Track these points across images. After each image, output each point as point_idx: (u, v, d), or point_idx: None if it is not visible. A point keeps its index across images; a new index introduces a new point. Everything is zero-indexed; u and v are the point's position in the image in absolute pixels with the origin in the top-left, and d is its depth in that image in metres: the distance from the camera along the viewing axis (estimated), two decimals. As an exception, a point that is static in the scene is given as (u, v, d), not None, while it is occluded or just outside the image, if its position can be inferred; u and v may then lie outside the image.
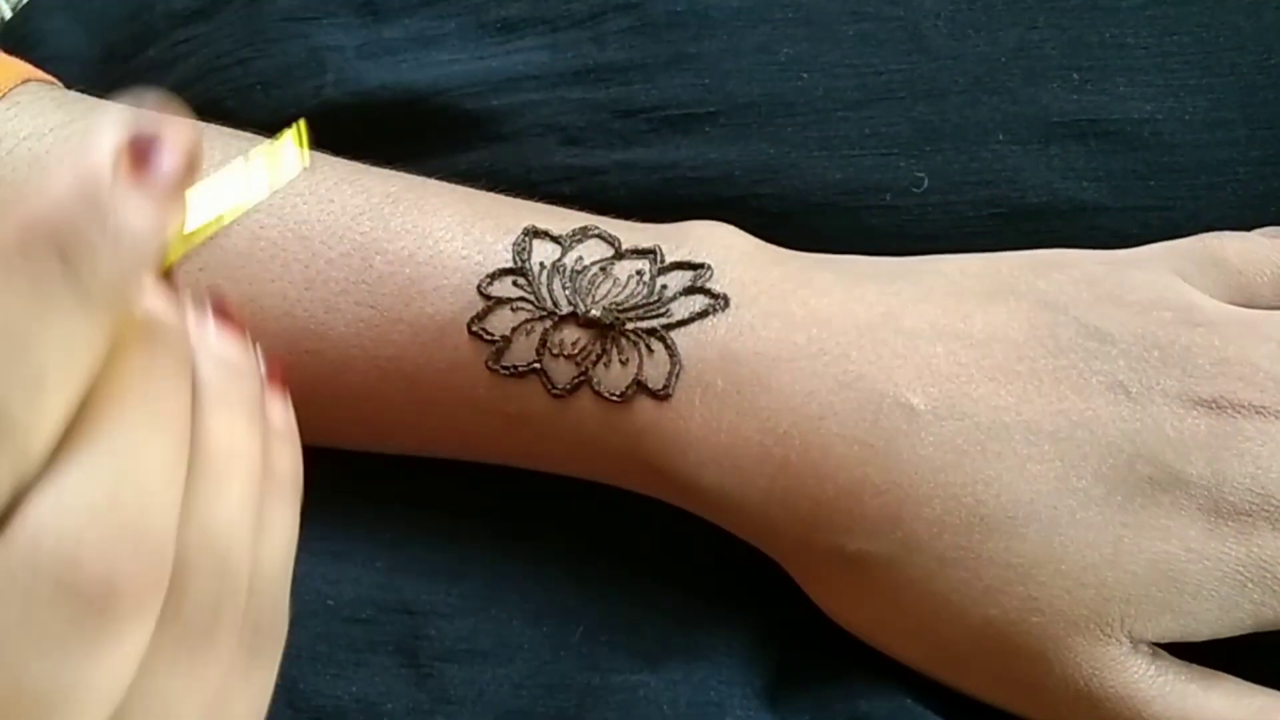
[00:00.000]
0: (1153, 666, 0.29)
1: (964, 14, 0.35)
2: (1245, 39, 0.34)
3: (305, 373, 0.31)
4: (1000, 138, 0.34)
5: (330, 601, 0.32)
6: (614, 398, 0.30)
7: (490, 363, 0.31)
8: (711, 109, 0.35)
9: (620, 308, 0.31)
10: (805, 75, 0.35)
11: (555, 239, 0.32)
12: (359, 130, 0.36)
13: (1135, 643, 0.29)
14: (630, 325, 0.30)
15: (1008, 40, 0.34)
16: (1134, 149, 0.33)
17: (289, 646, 0.31)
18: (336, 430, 0.33)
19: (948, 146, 0.34)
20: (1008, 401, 0.29)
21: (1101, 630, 0.28)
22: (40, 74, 0.35)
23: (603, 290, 0.31)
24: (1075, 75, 0.34)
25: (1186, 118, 0.33)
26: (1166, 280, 0.30)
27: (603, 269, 0.31)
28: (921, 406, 0.29)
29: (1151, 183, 0.33)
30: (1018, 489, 0.29)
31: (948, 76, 0.34)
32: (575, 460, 0.32)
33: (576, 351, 0.31)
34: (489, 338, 0.31)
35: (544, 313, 0.31)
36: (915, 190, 0.34)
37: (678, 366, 0.30)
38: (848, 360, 0.30)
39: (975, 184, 0.34)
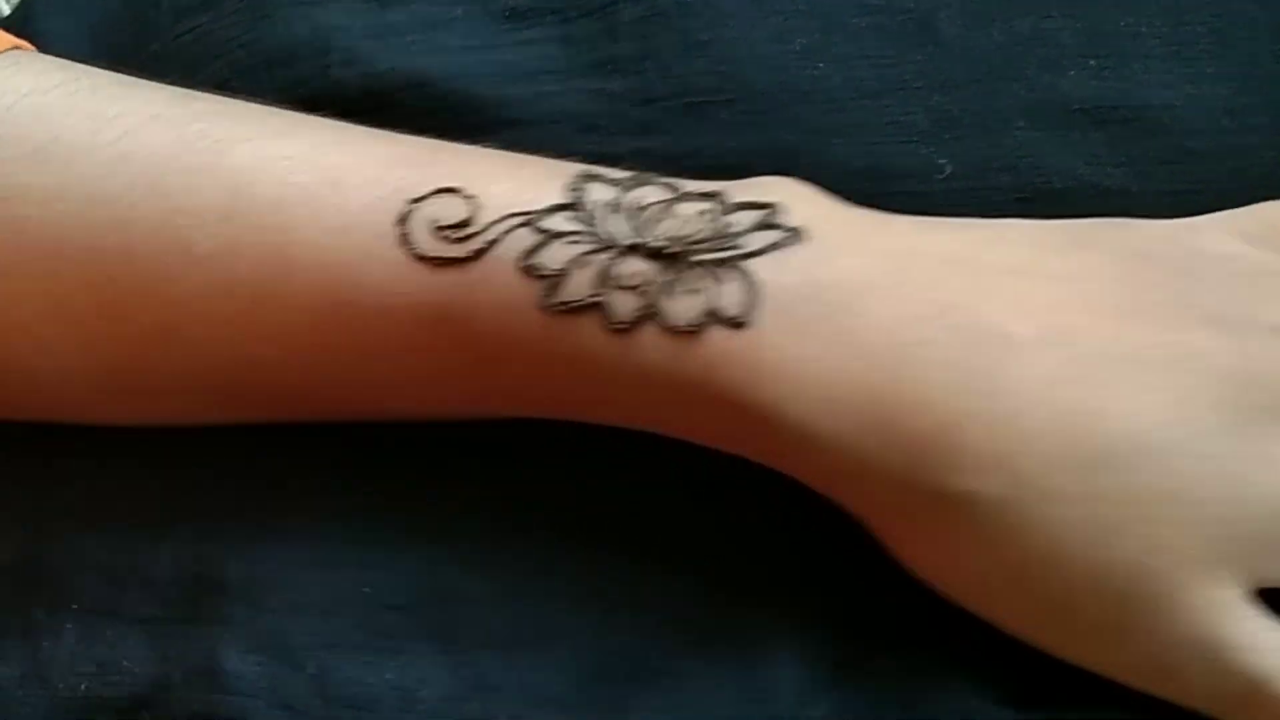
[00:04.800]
0: (1271, 617, 0.27)
1: (975, 4, 0.34)
2: (1260, 30, 0.34)
3: (339, 325, 0.30)
4: (1021, 124, 0.33)
5: (366, 589, 0.31)
6: (684, 328, 0.28)
7: (543, 298, 0.29)
8: (729, 96, 0.34)
9: (688, 240, 0.29)
10: (821, 65, 0.34)
11: (613, 181, 0.30)
12: (368, 109, 0.35)
13: (1254, 587, 0.27)
14: (700, 257, 0.29)
15: (1022, 29, 0.34)
16: (1155, 135, 0.33)
17: (322, 634, 0.30)
18: (371, 394, 0.31)
19: (968, 134, 0.33)
20: (1109, 332, 0.28)
21: (1226, 569, 0.27)
22: (31, 47, 0.34)
23: (666, 226, 0.29)
24: (1092, 62, 0.34)
25: (1207, 104, 0.33)
26: (1235, 240, 0.30)
27: (665, 207, 0.29)
28: (1022, 335, 0.28)
29: (1176, 167, 0.33)
30: (1130, 420, 0.27)
31: (964, 66, 0.34)
32: (637, 404, 0.30)
33: (641, 283, 0.29)
34: (540, 273, 0.29)
35: (603, 244, 0.29)
36: (938, 177, 0.33)
37: (755, 293, 0.28)
38: (938, 289, 0.28)
39: (998, 170, 0.33)
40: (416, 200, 0.29)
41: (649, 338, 0.28)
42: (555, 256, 0.29)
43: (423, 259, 0.29)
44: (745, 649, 0.30)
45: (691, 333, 0.28)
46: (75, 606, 0.33)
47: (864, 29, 0.34)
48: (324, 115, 0.33)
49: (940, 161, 0.33)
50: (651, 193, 0.30)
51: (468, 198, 0.29)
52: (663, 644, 0.30)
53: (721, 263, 0.28)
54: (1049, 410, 0.27)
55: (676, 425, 0.30)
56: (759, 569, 0.32)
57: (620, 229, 0.29)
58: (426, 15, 0.36)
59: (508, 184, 0.29)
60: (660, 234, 0.29)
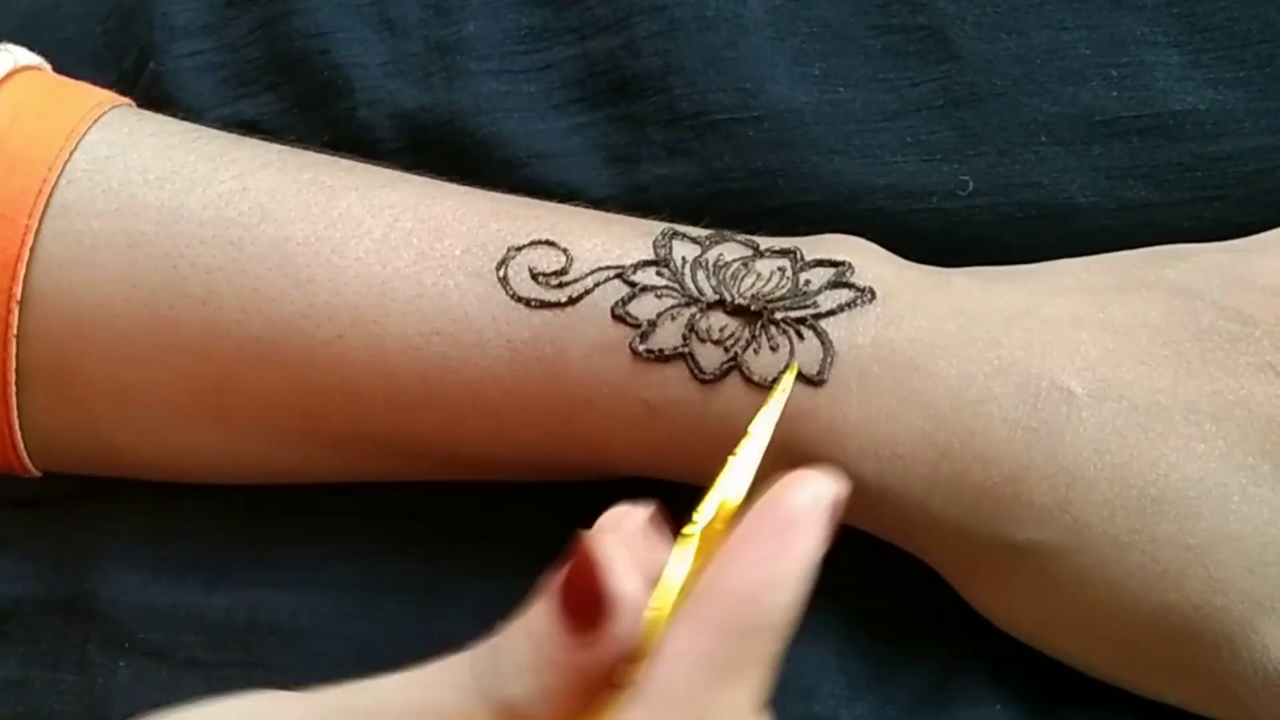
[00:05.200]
0: None
1: (990, 17, 0.34)
2: (1277, 31, 0.33)
3: (432, 353, 0.31)
4: (1043, 139, 0.33)
5: (421, 637, 0.31)
6: (766, 383, 0.29)
7: (635, 345, 0.30)
8: (754, 113, 0.34)
9: (767, 298, 0.30)
10: (841, 89, 0.34)
11: (694, 239, 0.31)
12: (401, 149, 0.35)
13: None
14: (779, 315, 0.30)
15: (1040, 41, 0.34)
16: (1177, 142, 0.33)
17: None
18: (455, 430, 0.32)
19: (990, 150, 0.34)
20: (1161, 384, 0.28)
21: None
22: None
23: (747, 283, 0.30)
24: (1114, 73, 0.34)
25: (1228, 108, 0.33)
26: None
27: (744, 264, 0.31)
28: (1078, 390, 0.28)
29: (1198, 174, 0.33)
30: (1186, 469, 0.28)
31: (985, 80, 0.34)
32: (717, 456, 0.30)
33: (725, 337, 0.30)
34: (633, 321, 0.30)
35: (690, 299, 0.30)
36: (961, 194, 0.33)
37: (831, 353, 0.29)
38: (1000, 347, 0.29)
39: (1020, 185, 0.33)
40: (517, 248, 0.31)
41: (732, 390, 0.30)
42: (645, 308, 0.30)
43: (521, 299, 0.31)
44: (785, 651, 0.31)
45: (772, 387, 0.29)
46: (128, 646, 0.34)
47: (880, 50, 0.35)
48: (355, 155, 0.34)
49: (963, 178, 0.33)
50: (731, 250, 0.31)
51: (562, 250, 0.31)
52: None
53: (800, 320, 0.30)
54: (1107, 461, 0.28)
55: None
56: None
57: (704, 285, 0.30)
58: (439, 39, 0.37)
59: (598, 239, 0.31)
60: (742, 291, 0.30)
